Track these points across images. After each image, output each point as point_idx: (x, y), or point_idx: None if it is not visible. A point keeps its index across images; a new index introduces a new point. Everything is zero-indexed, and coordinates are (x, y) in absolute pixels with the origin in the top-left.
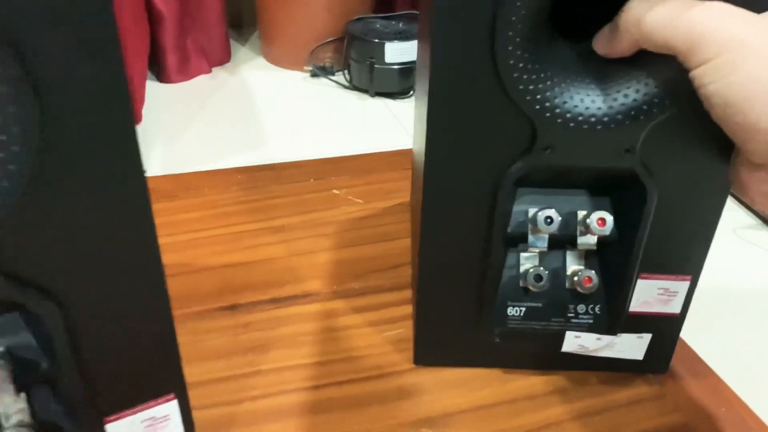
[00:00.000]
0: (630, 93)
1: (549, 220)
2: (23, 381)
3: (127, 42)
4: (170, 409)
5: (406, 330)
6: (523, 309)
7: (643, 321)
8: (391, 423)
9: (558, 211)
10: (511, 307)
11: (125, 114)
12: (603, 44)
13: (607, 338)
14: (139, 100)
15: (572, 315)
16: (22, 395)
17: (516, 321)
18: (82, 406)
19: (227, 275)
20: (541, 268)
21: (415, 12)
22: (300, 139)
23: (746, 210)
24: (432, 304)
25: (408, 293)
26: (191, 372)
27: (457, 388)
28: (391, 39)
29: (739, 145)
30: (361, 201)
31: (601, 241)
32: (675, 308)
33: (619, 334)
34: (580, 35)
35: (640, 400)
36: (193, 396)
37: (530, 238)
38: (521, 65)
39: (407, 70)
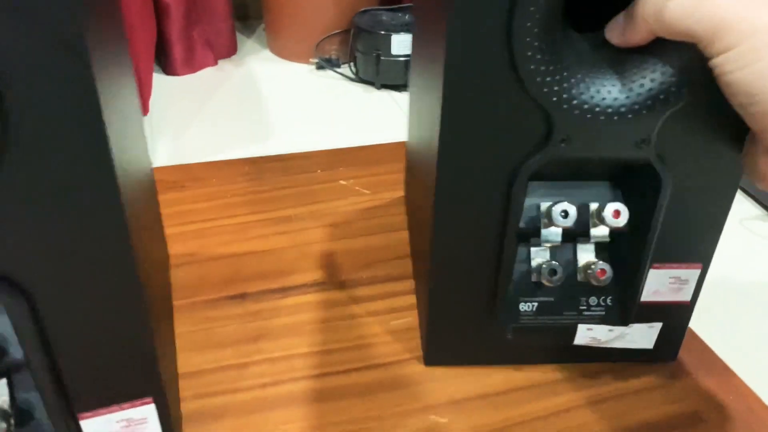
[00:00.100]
0: (645, 82)
1: (564, 214)
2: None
3: (133, 34)
4: (148, 412)
5: (413, 319)
6: (536, 304)
7: (654, 310)
8: (398, 410)
9: (569, 203)
10: (523, 303)
11: (92, 106)
12: (617, 34)
13: (619, 329)
14: (146, 92)
15: (584, 308)
16: (3, 382)
17: (529, 317)
18: (52, 399)
19: (236, 265)
20: (554, 263)
21: None
22: (306, 131)
23: (753, 201)
24: (444, 303)
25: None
26: (201, 360)
27: (465, 376)
28: (397, 31)
29: (759, 133)
30: (368, 192)
31: (613, 231)
32: (686, 296)
33: (630, 325)
34: (588, 25)
35: (649, 388)
36: (203, 383)
37: (543, 232)
38: (539, 57)
39: None
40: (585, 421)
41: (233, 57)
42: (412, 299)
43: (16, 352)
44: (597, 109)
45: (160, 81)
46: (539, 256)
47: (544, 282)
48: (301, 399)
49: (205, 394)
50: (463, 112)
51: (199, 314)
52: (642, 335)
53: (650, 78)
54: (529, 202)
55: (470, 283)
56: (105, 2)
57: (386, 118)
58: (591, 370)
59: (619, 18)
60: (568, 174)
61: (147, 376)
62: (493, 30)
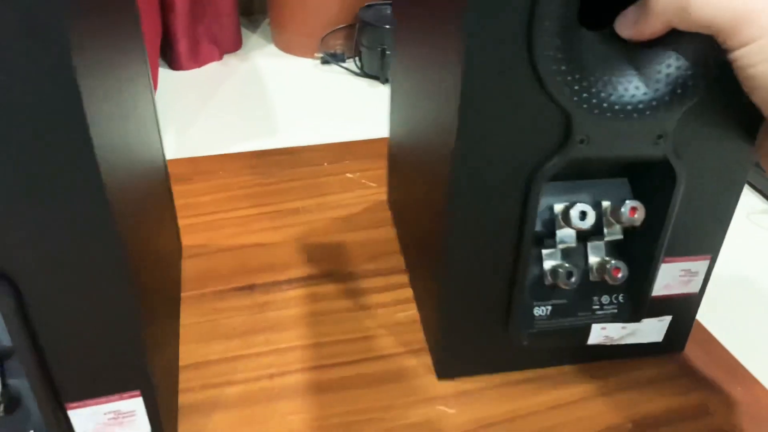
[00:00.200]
0: (662, 77)
1: (583, 216)
2: None
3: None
4: (136, 405)
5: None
6: (549, 308)
7: (664, 303)
8: (407, 400)
9: (586, 204)
10: (537, 308)
11: (72, 98)
12: (629, 27)
13: (631, 326)
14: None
15: (597, 307)
16: None
17: (543, 321)
18: (39, 388)
19: (244, 256)
20: (567, 265)
21: None
22: (311, 125)
23: (760, 196)
24: (457, 315)
25: None
26: (207, 351)
27: None
28: None
29: None
30: (374, 185)
31: (626, 229)
32: (695, 288)
33: (641, 320)
34: (589, 20)
35: (656, 380)
36: (211, 374)
37: (558, 234)
38: (559, 56)
39: None
40: (592, 413)
41: (238, 52)
42: None
43: (6, 339)
44: (616, 107)
45: (165, 75)
46: (550, 258)
47: (561, 285)
48: (308, 390)
49: (210, 385)
50: (480, 114)
51: (207, 306)
52: (652, 329)
53: (666, 72)
54: (541, 203)
55: (484, 292)
56: None
57: None
58: (598, 361)
59: (631, 10)
60: (579, 172)
61: (135, 370)
62: (511, 30)
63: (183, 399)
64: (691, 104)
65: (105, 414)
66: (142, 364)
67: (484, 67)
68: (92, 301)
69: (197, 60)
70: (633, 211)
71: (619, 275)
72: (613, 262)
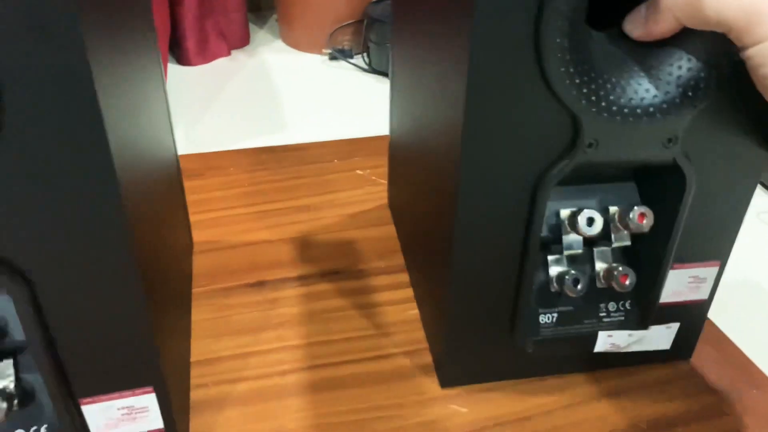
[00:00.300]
0: (672, 79)
1: (590, 222)
2: (5, 347)
3: None
4: (149, 401)
5: None
6: (555, 315)
7: (672, 310)
8: (419, 398)
9: (594, 210)
10: (542, 315)
11: (88, 95)
12: (638, 27)
13: (638, 333)
14: None
15: (604, 314)
16: (9, 362)
17: (549, 328)
18: (52, 382)
19: (254, 252)
20: (573, 271)
21: None
22: (318, 121)
23: None
24: (462, 323)
25: None
26: (219, 347)
27: None
28: None
29: None
30: (383, 182)
31: (633, 234)
32: (703, 294)
33: (649, 327)
34: (600, 21)
35: (668, 380)
36: (223, 370)
37: (565, 240)
38: (568, 58)
39: None
40: (604, 412)
41: (246, 47)
42: None
43: (19, 333)
44: (626, 110)
45: (173, 71)
46: (556, 264)
47: (568, 293)
48: (319, 386)
49: (222, 381)
50: (486, 117)
51: (218, 302)
52: (660, 336)
53: (677, 74)
54: (548, 207)
55: (489, 299)
56: None
57: None
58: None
59: (640, 9)
60: (586, 176)
61: (147, 365)
62: (519, 31)
63: (195, 395)
64: (702, 107)
65: (118, 409)
66: (154, 360)
67: (490, 68)
68: (104, 297)
69: (205, 55)
70: (641, 217)
71: (627, 282)
72: (620, 268)
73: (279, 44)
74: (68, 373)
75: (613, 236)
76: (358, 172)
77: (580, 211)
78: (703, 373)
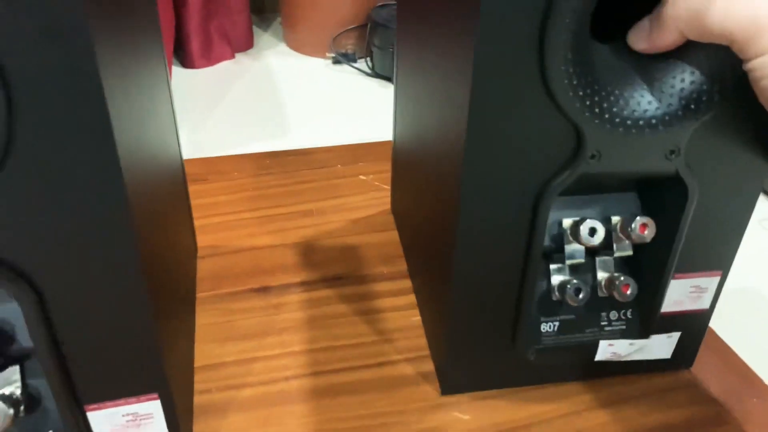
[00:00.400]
0: (675, 91)
1: (592, 232)
2: (12, 354)
3: None
4: (153, 408)
5: None
6: (557, 324)
7: (673, 320)
8: (420, 405)
9: (596, 220)
10: (544, 323)
11: (96, 99)
12: (642, 39)
13: (639, 342)
14: None
15: (605, 323)
16: (16, 368)
17: (550, 337)
18: (58, 389)
19: (258, 257)
20: (575, 281)
21: None
22: (322, 125)
23: None
24: (463, 330)
25: None
26: (222, 352)
27: None
28: None
29: None
30: (387, 187)
31: (635, 244)
32: (705, 304)
33: (650, 336)
34: (604, 33)
35: (670, 389)
36: (227, 375)
37: (567, 249)
38: (571, 70)
39: None
40: (605, 421)
41: (250, 51)
42: None
43: (26, 340)
44: (628, 122)
45: (177, 74)
46: (558, 273)
47: (569, 302)
48: (323, 392)
49: (226, 387)
50: (489, 128)
51: (222, 306)
52: (661, 345)
53: (680, 87)
54: (549, 217)
55: (491, 307)
56: None
57: None
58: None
59: (644, 23)
60: (588, 186)
61: (152, 372)
62: (523, 43)
63: (199, 400)
64: (705, 119)
65: (123, 416)
66: (159, 366)
67: (494, 79)
68: (110, 303)
69: (209, 58)
70: (643, 227)
71: (629, 292)
72: (622, 278)
73: (283, 47)
74: (74, 380)
75: (615, 246)
76: (362, 177)
77: (582, 220)
78: (704, 382)
